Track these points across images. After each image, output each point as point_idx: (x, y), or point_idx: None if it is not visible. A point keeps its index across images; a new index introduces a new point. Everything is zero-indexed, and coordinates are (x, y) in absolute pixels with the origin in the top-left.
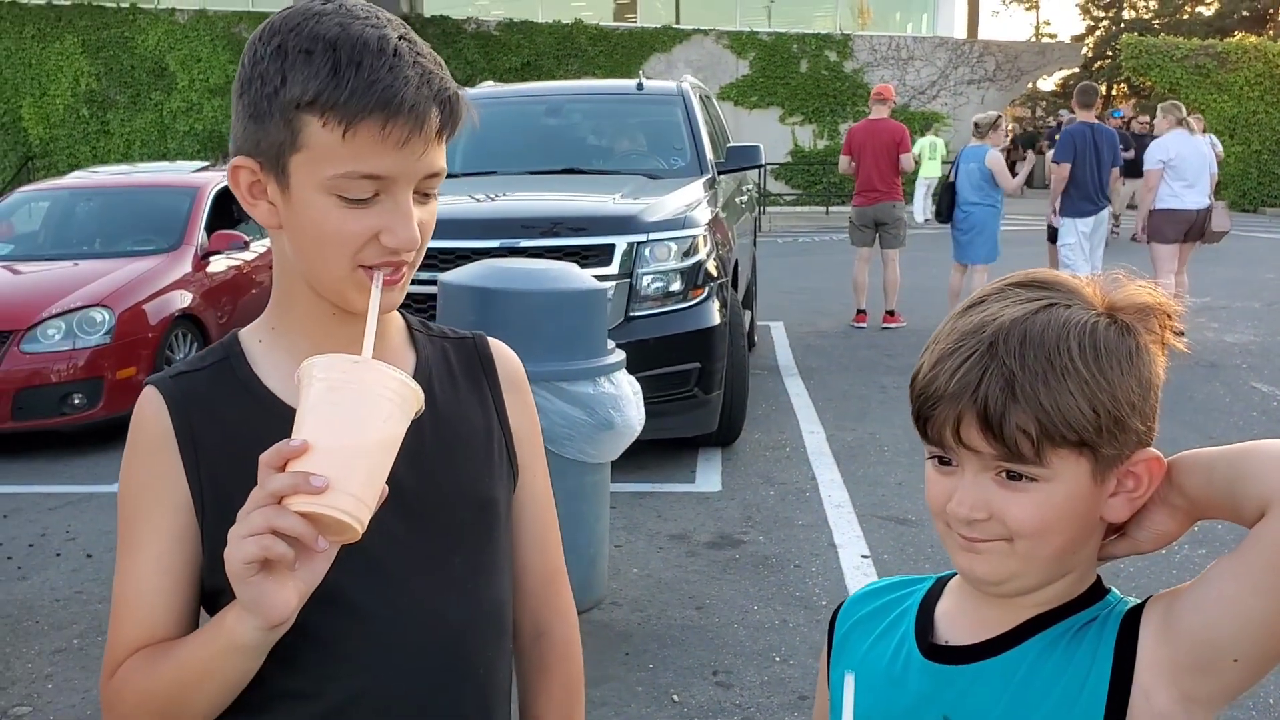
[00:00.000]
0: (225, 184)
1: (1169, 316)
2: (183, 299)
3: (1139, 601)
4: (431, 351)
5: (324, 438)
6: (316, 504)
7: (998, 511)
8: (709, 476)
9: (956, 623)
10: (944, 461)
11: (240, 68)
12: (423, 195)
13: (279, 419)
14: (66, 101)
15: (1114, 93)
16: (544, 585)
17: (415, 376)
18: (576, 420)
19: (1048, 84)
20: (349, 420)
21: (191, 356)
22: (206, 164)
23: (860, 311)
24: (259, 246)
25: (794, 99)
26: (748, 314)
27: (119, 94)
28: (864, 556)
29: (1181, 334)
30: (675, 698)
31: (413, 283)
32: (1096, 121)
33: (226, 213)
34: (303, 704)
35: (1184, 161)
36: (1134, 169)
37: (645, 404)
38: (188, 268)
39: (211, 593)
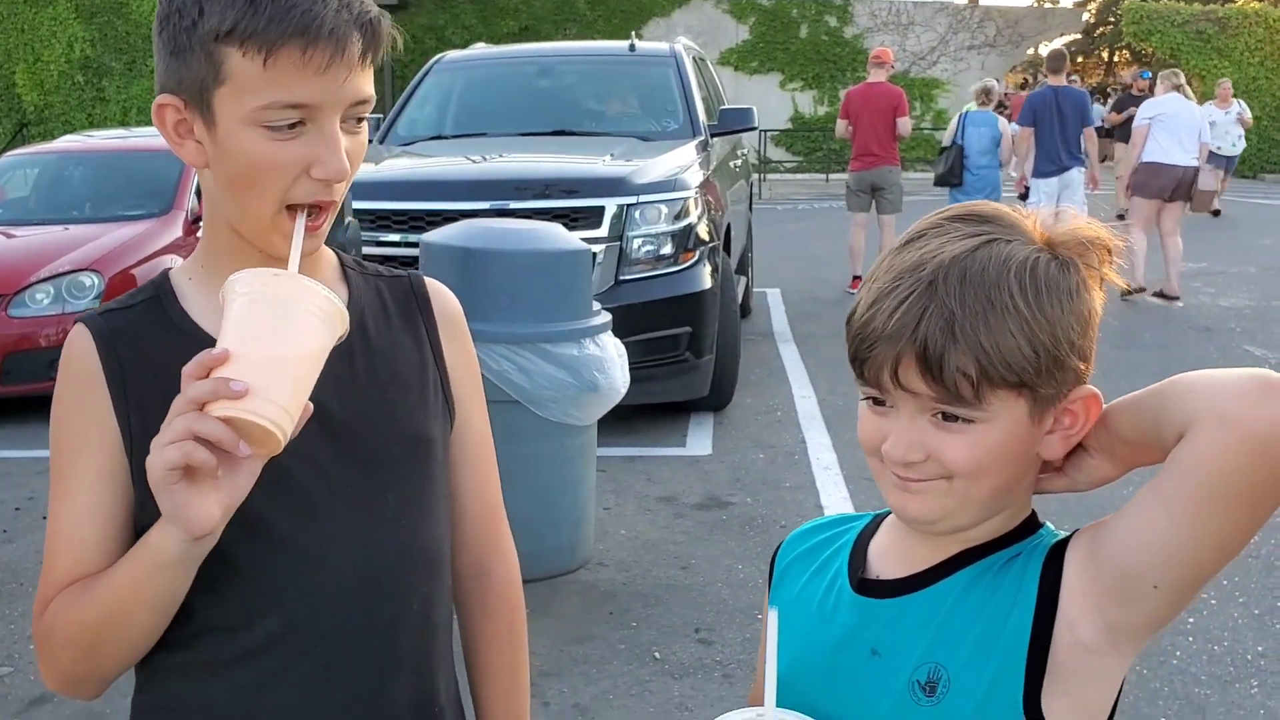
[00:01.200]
0: None
1: (1108, 251)
2: (173, 263)
3: (1066, 535)
4: (364, 288)
5: (246, 347)
6: (238, 409)
7: (934, 452)
8: (700, 440)
9: (888, 558)
10: (878, 402)
11: (159, 4)
12: (351, 125)
13: None
14: (61, 68)
15: (1115, 59)
16: (483, 525)
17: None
18: (561, 382)
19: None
20: (271, 330)
21: (121, 295)
22: None
23: (856, 278)
24: None
25: (794, 64)
26: (742, 279)
27: (114, 60)
28: None
29: (1137, 293)
30: (656, 654)
31: (395, 245)
32: (1063, 85)
33: None
34: (229, 637)
35: (1173, 119)
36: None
37: (636, 368)
38: (178, 232)
39: (143, 530)
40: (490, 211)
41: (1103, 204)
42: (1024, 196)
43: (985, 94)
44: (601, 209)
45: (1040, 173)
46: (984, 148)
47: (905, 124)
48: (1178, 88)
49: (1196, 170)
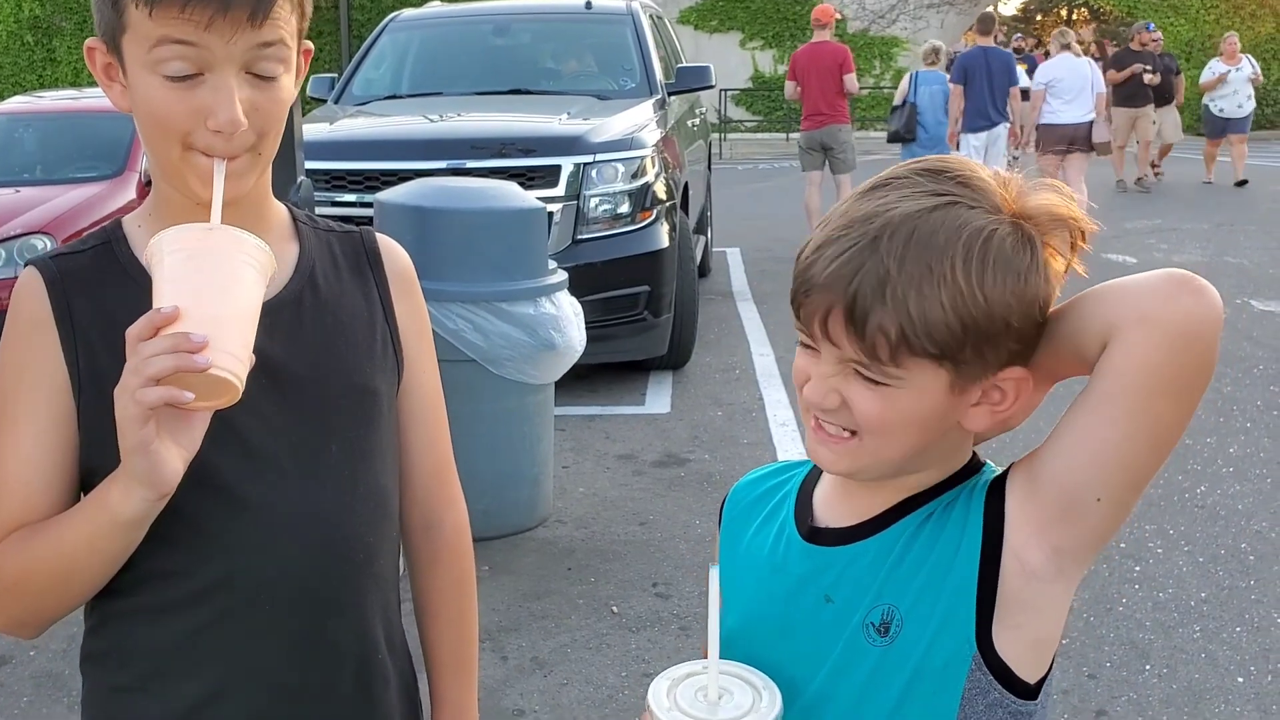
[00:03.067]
0: None
1: (1082, 235)
2: None
3: (1005, 469)
4: (315, 242)
5: (191, 303)
6: (206, 360)
7: (848, 401)
8: (659, 398)
9: (834, 506)
10: (809, 346)
11: None
12: (259, 79)
13: None
14: (9, 28)
15: (1074, 17)
16: (432, 477)
17: (298, 265)
18: (517, 341)
19: (1008, 9)
20: (212, 284)
21: (74, 241)
22: None
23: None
24: None
25: (754, 23)
26: (701, 239)
27: (64, 20)
28: None
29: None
30: (614, 609)
31: (350, 205)
32: (992, 46)
33: None
34: (173, 583)
35: (1062, 83)
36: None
37: (594, 327)
38: (132, 194)
39: (87, 472)
40: (446, 171)
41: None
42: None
43: (934, 54)
44: (558, 168)
45: (971, 128)
46: (938, 105)
47: (852, 80)
48: (1066, 47)
49: (1090, 124)
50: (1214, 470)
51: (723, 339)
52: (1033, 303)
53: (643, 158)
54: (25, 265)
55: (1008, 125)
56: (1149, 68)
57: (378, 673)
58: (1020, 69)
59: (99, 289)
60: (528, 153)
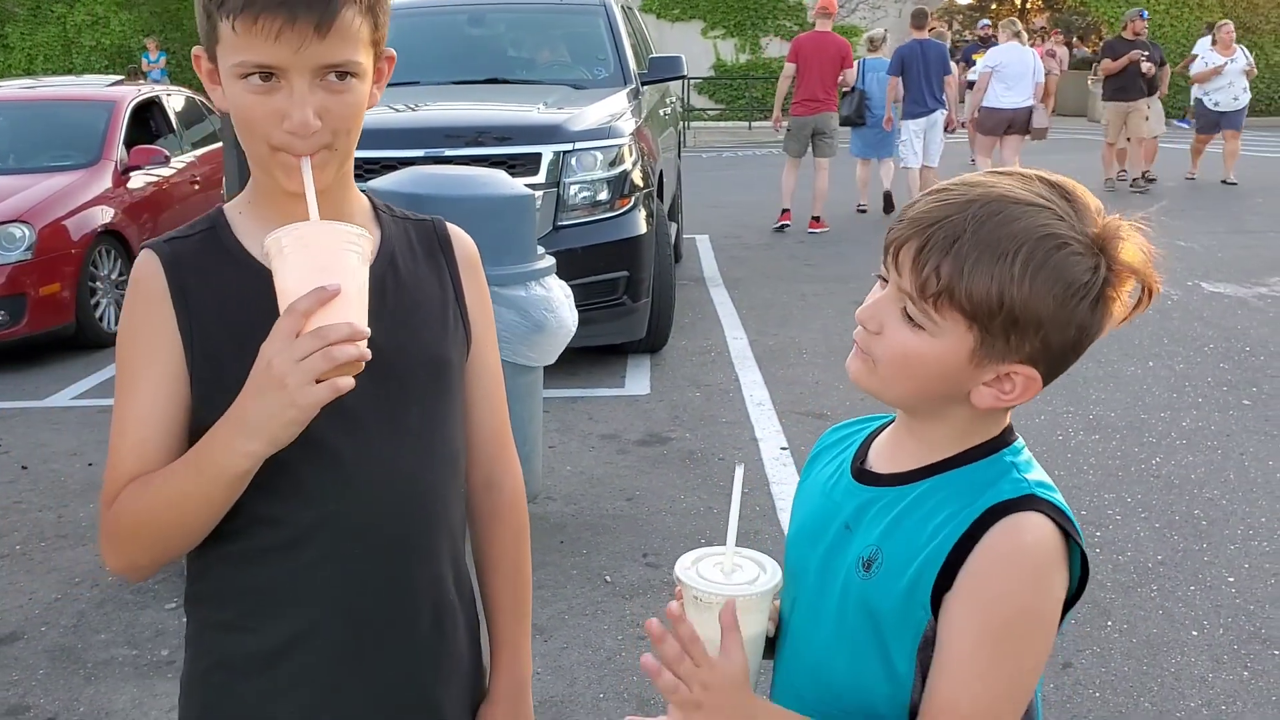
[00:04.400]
0: (144, 98)
1: (1147, 293)
2: (105, 214)
3: (1007, 498)
4: (395, 230)
5: (323, 292)
6: (360, 350)
7: (885, 331)
8: (638, 380)
9: (883, 454)
10: (884, 280)
11: None
12: (331, 84)
13: (261, 280)
14: None
15: (1028, 6)
16: (493, 442)
17: (380, 249)
18: (511, 323)
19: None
20: (331, 274)
21: (181, 226)
22: (120, 78)
23: (785, 210)
24: (180, 161)
25: (716, 12)
26: (673, 225)
27: (17, 5)
28: (783, 448)
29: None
30: (608, 578)
31: None
32: (927, 38)
33: (145, 128)
34: (273, 529)
35: (1007, 68)
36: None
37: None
38: (108, 183)
39: (198, 432)
40: (425, 159)
41: (959, 146)
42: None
43: (871, 42)
44: (539, 156)
45: (909, 114)
46: (883, 90)
47: (850, 74)
48: (1016, 35)
49: (1030, 109)
50: (1168, 442)
51: (697, 323)
52: (1070, 322)
53: (620, 146)
54: (142, 248)
55: (944, 111)
56: (1145, 54)
57: (449, 613)
58: (977, 57)
59: (209, 269)
60: (509, 141)
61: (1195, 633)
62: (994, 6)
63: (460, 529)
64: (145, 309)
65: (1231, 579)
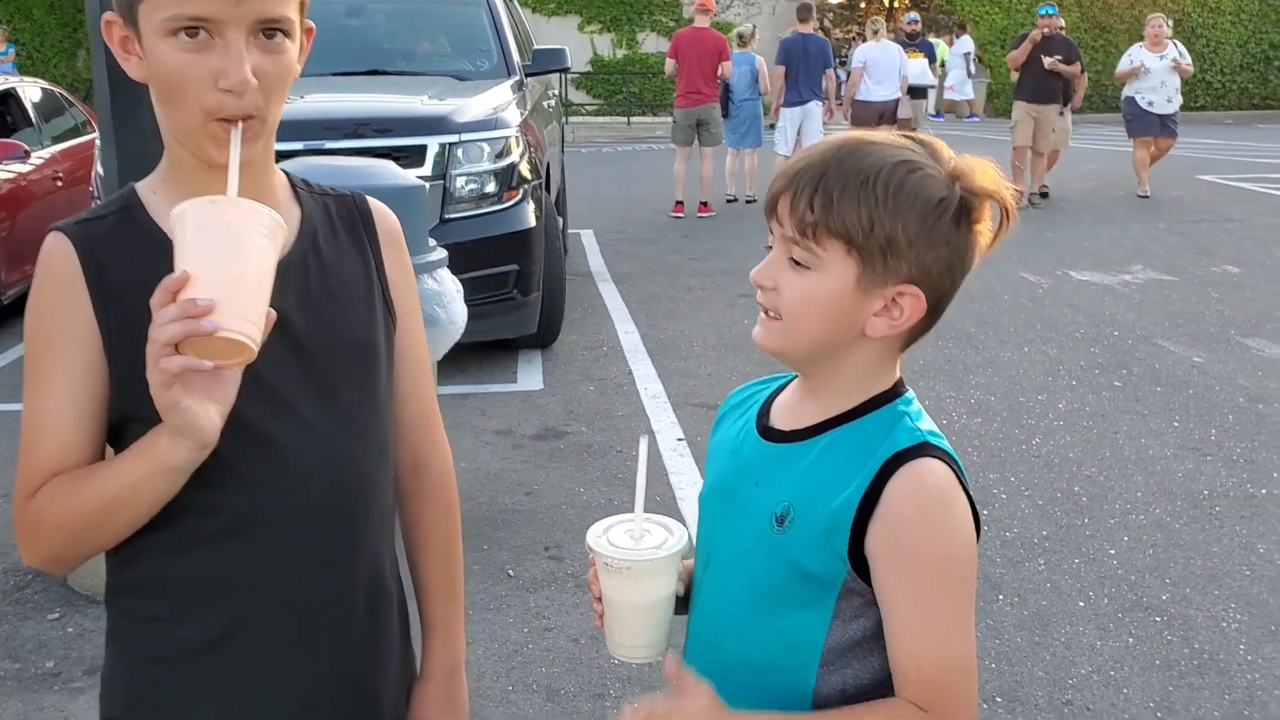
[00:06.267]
0: None
1: (1007, 214)
2: None
3: (903, 447)
4: (314, 206)
5: (202, 269)
6: (212, 326)
7: (779, 285)
8: (530, 375)
9: (785, 412)
10: (771, 248)
11: None
12: (264, 42)
13: None
14: None
15: (895, 5)
16: (421, 421)
17: (301, 228)
18: None
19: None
20: (223, 251)
21: (93, 207)
22: None
23: (678, 203)
24: (39, 157)
25: (591, 6)
26: (560, 220)
27: None
28: (679, 439)
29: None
30: (510, 572)
31: None
32: (810, 33)
33: (1, 122)
34: (206, 518)
35: (875, 65)
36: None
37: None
38: None
39: (119, 421)
40: (306, 152)
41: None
42: (772, 126)
43: (740, 38)
44: (424, 148)
45: (788, 103)
46: (746, 84)
47: (727, 67)
48: (875, 33)
49: (897, 101)
50: (1046, 424)
51: (587, 318)
52: (937, 238)
53: (507, 137)
54: (50, 230)
55: (820, 103)
56: (1059, 57)
57: (384, 596)
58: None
59: (124, 251)
60: (393, 133)
61: (1082, 603)
62: (863, 6)
63: (391, 511)
64: (57, 294)
65: (1113, 551)
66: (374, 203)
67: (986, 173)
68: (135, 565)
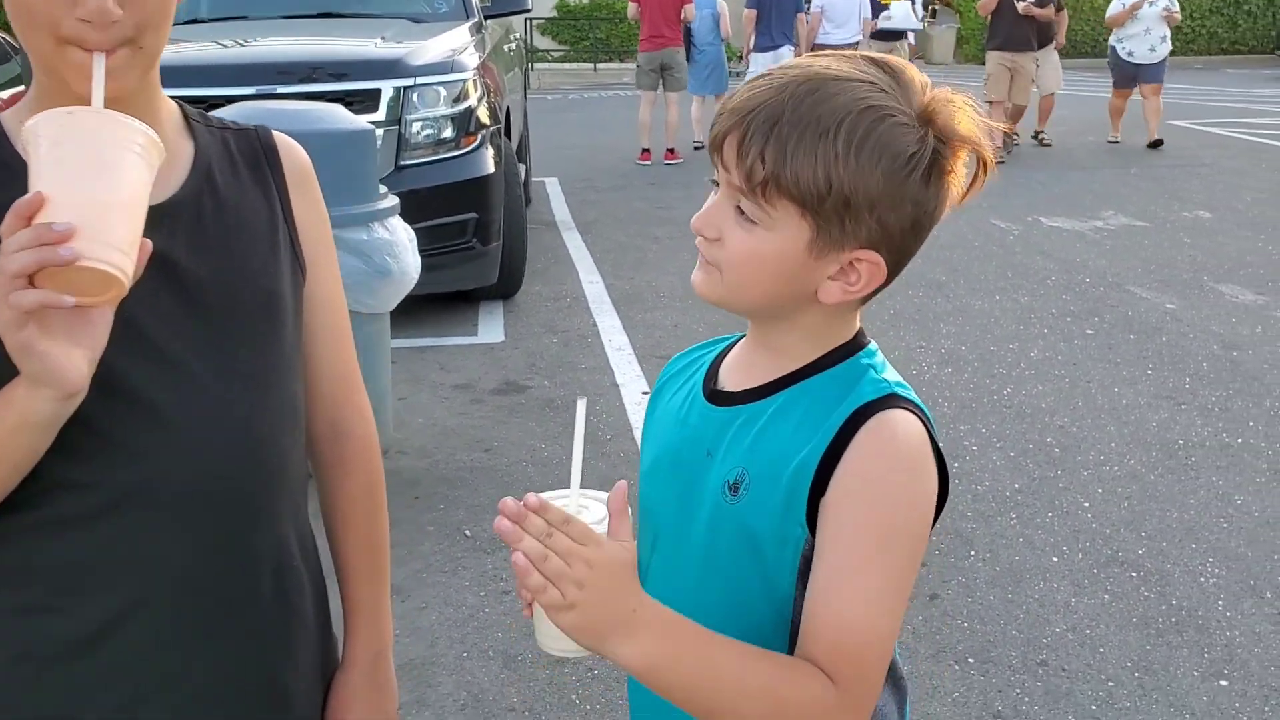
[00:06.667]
0: None
1: (982, 165)
2: None
3: (873, 397)
4: (210, 140)
5: (63, 189)
6: (73, 254)
7: (724, 236)
8: (491, 328)
9: (734, 372)
10: (716, 184)
11: None
12: None
13: None
14: None
15: None
16: (339, 384)
17: (194, 163)
18: (352, 268)
19: None
20: (87, 169)
21: None
22: None
23: (644, 150)
24: None
25: None
26: (522, 167)
27: None
28: (644, 393)
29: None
30: (467, 532)
31: None
32: None
33: None
34: (83, 494)
35: (833, 7)
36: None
37: (422, 256)
38: None
39: None
40: (257, 97)
41: None
42: (739, 75)
43: None
44: (378, 92)
45: (759, 48)
46: (708, 28)
47: (690, 10)
48: None
49: (856, 44)
50: (1018, 373)
51: (550, 268)
52: (903, 198)
53: (464, 81)
54: None
55: (792, 47)
56: (1032, 0)
57: (293, 578)
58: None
59: None
60: (346, 77)
61: (1056, 559)
62: None
63: (301, 483)
64: None
65: (1087, 504)
66: (280, 137)
67: (965, 116)
68: (6, 549)
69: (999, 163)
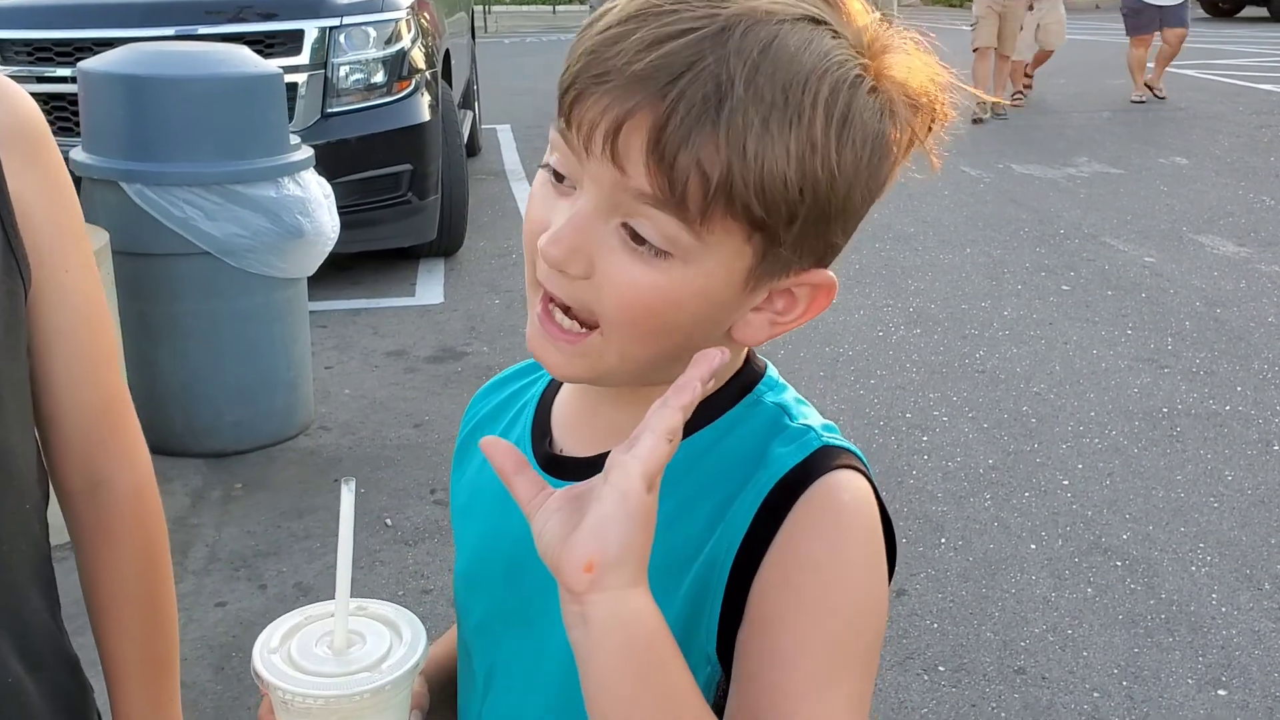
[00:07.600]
0: None
1: (933, 120)
2: None
3: (794, 464)
4: None
5: None
6: None
7: (601, 275)
8: (430, 288)
9: (575, 428)
10: (561, 177)
11: None
12: None
13: None
14: None
15: None
16: (95, 420)
17: None
18: (259, 229)
19: None
20: None
21: None
22: None
23: None
24: None
25: None
26: (468, 114)
27: None
28: None
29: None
30: (388, 521)
31: (60, 81)
32: None
33: None
34: None
35: None
36: None
37: (354, 212)
38: None
39: None
40: (175, 38)
41: None
42: None
43: None
44: (301, 33)
45: None
46: None
47: None
48: None
49: None
50: (991, 334)
51: (496, 222)
52: (876, 190)
53: (397, 20)
54: None
55: None
56: None
57: (12, 698)
58: None
59: None
60: (265, 17)
61: (1034, 546)
62: None
63: (22, 565)
64: None
65: (1066, 482)
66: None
67: (915, 68)
68: None
69: (975, 121)
